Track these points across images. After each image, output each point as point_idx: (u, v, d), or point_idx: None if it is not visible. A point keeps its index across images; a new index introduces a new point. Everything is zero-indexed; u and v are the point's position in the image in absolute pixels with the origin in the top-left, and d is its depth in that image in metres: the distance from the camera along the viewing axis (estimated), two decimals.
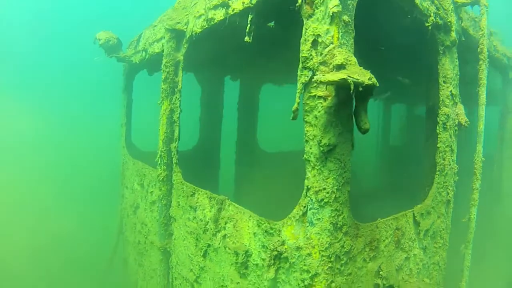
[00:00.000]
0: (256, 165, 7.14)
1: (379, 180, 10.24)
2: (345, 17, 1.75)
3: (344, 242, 1.87)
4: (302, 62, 1.86)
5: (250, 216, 2.48)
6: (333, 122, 1.74)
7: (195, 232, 3.31)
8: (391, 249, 2.26)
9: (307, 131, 1.88)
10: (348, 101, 1.72)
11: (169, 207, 3.97)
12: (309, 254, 1.91)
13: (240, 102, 7.16)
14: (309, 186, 1.89)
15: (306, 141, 1.90)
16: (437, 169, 2.69)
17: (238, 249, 2.60)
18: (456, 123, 2.77)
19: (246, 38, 2.52)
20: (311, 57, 1.81)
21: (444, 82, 2.68)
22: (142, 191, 4.81)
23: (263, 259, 2.32)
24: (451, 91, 2.71)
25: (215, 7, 3.05)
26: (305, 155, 1.92)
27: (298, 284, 1.99)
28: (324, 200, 1.81)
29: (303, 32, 1.87)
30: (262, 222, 2.32)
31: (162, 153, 3.98)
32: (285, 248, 2.09)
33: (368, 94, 1.63)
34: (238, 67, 6.11)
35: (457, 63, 2.85)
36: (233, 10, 2.75)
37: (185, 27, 3.71)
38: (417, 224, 2.54)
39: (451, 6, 2.74)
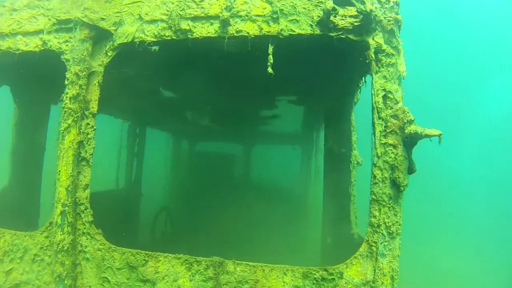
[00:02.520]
0: None
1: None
2: None
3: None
4: (377, 112, 2.21)
5: (287, 269, 2.24)
6: (401, 166, 2.20)
7: None
8: None
9: (377, 174, 2.20)
10: (409, 149, 2.25)
11: None
12: (381, 283, 2.13)
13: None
14: (379, 223, 2.17)
15: (375, 183, 2.20)
16: (351, 200, 3.70)
17: None
18: (358, 161, 3.96)
19: (270, 70, 2.39)
20: (383, 109, 2.21)
21: (353, 130, 3.80)
22: None
23: None
24: (355, 137, 3.87)
25: (201, 19, 2.52)
26: (373, 196, 2.19)
27: None
28: (396, 232, 2.17)
29: (373, 85, 2.24)
30: (313, 271, 2.20)
31: (67, 208, 2.43)
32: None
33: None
34: None
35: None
36: (238, 32, 2.46)
37: (113, 28, 2.69)
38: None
39: None
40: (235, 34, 2.45)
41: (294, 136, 8.91)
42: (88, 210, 2.55)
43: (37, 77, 4.06)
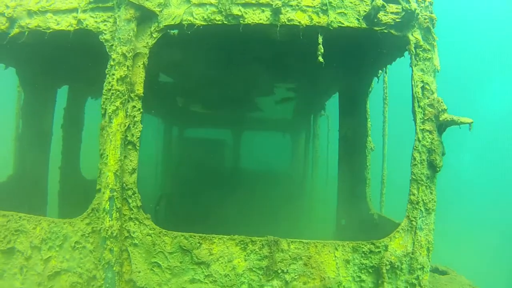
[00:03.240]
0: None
1: None
2: None
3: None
4: (417, 102, 2.45)
5: (338, 245, 2.44)
6: (437, 149, 2.47)
7: None
8: None
9: (416, 156, 2.46)
10: (440, 134, 2.53)
11: (122, 277, 2.41)
12: (419, 254, 2.42)
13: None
14: (417, 200, 2.44)
15: (415, 164, 2.46)
16: (367, 183, 4.01)
17: (320, 286, 2.40)
18: (371, 147, 4.24)
19: (320, 59, 2.53)
20: (421, 99, 2.46)
21: (368, 118, 4.05)
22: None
23: (362, 281, 2.41)
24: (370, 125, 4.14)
25: (252, 6, 2.55)
26: (413, 176, 2.45)
27: (408, 284, 2.40)
28: (431, 208, 2.45)
29: (413, 76, 2.48)
30: (362, 245, 2.42)
31: (114, 192, 2.39)
32: (394, 259, 2.40)
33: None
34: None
35: None
36: (289, 21, 2.55)
37: (158, 9, 2.66)
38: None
39: None
40: (287, 23, 2.55)
41: (290, 123, 9.13)
42: (136, 195, 2.53)
43: (46, 59, 3.82)
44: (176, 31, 3.05)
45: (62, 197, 4.81)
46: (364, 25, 2.53)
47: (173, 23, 2.62)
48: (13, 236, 2.72)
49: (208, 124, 9.38)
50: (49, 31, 2.79)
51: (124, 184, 2.52)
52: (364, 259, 2.43)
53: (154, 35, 2.65)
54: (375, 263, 2.41)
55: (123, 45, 2.53)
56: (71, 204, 4.68)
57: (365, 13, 2.53)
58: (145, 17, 2.64)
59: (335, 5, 2.56)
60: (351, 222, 3.92)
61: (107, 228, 2.43)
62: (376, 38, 2.59)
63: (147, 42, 2.64)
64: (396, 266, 2.40)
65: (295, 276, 2.43)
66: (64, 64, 4.00)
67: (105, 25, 2.71)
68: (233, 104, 7.50)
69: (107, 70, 2.64)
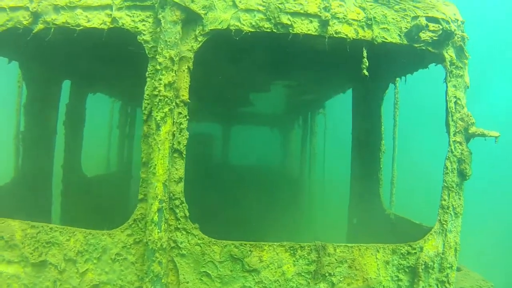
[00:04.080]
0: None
1: None
2: None
3: None
4: (450, 115, 2.66)
5: (379, 247, 2.61)
6: (467, 159, 2.72)
7: None
8: None
9: (448, 165, 2.69)
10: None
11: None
12: (448, 254, 2.68)
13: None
14: (448, 206, 2.68)
15: (447, 173, 2.69)
16: (380, 184, 4.23)
17: (363, 287, 2.57)
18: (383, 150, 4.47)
19: (365, 72, 2.64)
20: (454, 113, 2.68)
21: (382, 122, 4.24)
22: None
23: (400, 280, 2.62)
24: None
25: (300, 16, 2.56)
26: (444, 183, 2.69)
27: (438, 282, 2.66)
28: (459, 212, 2.71)
29: (447, 92, 2.68)
30: (400, 247, 2.62)
31: (163, 203, 2.32)
32: (427, 260, 2.64)
33: None
34: None
35: None
36: (336, 33, 2.60)
37: (203, 12, 2.57)
38: None
39: None
40: (334, 35, 2.61)
41: (287, 120, 9.23)
42: (183, 204, 2.48)
43: (50, 51, 3.48)
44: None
45: (65, 197, 4.49)
46: (405, 42, 2.67)
47: (220, 27, 2.55)
48: (45, 248, 2.53)
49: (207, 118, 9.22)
50: (79, 28, 2.57)
51: (171, 193, 2.45)
52: (402, 260, 2.63)
53: (199, 39, 2.56)
54: (412, 263, 2.62)
55: (170, 49, 2.42)
56: (74, 203, 4.40)
57: (406, 30, 2.67)
58: (189, 19, 2.53)
59: (379, 21, 2.66)
60: (364, 221, 4.16)
61: (155, 240, 2.35)
62: (413, 53, 2.75)
63: (192, 46, 2.55)
64: (429, 265, 2.64)
65: (341, 278, 2.57)
66: (69, 57, 3.68)
67: (143, 25, 2.56)
68: (226, 100, 7.41)
69: (149, 73, 2.52)
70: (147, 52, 2.54)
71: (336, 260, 2.56)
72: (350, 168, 4.32)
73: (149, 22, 2.55)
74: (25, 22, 2.60)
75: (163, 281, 2.38)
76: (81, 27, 2.55)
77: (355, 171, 4.29)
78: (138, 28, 2.54)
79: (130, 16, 2.56)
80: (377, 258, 2.62)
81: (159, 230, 2.36)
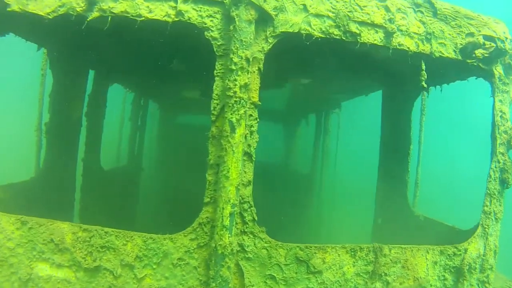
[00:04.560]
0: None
1: None
2: None
3: None
4: (497, 128, 2.85)
5: (429, 248, 2.77)
6: (509, 169, 2.93)
7: None
8: None
9: (492, 174, 2.89)
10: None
11: None
12: (489, 256, 2.90)
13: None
14: (489, 211, 2.89)
15: (490, 181, 2.89)
16: (406, 185, 4.39)
17: (414, 285, 2.72)
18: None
19: (423, 84, 2.75)
20: (499, 125, 2.87)
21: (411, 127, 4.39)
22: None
23: (446, 279, 2.80)
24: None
25: (366, 25, 2.58)
26: (488, 191, 2.89)
27: (479, 282, 2.87)
28: (499, 218, 2.93)
29: (494, 106, 2.86)
30: (447, 249, 2.79)
31: (236, 208, 2.30)
32: (470, 261, 2.84)
33: None
34: None
35: None
36: (399, 45, 2.64)
37: (274, 13, 2.53)
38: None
39: None
40: (397, 47, 2.68)
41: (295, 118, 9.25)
42: (252, 208, 2.45)
43: (81, 39, 3.24)
44: None
45: (85, 192, 4.23)
46: (459, 57, 2.81)
47: (291, 30, 2.52)
48: (99, 253, 2.39)
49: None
50: (140, 19, 2.42)
51: (241, 197, 2.42)
52: (448, 261, 2.81)
53: (270, 40, 2.51)
54: (457, 264, 2.81)
55: (245, 49, 2.36)
56: (93, 197, 4.15)
57: (461, 46, 2.80)
58: (261, 19, 2.48)
59: (437, 35, 2.77)
60: (391, 222, 4.34)
61: (226, 245, 2.32)
62: (463, 67, 2.90)
63: (263, 47, 2.50)
64: (472, 266, 2.84)
65: (394, 277, 2.69)
66: (102, 47, 3.45)
67: (211, 21, 2.47)
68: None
69: (217, 72, 2.44)
70: (215, 50, 2.45)
71: (391, 260, 2.68)
72: (378, 169, 4.48)
73: (217, 19, 2.47)
74: (78, 9, 2.40)
75: (230, 285, 2.36)
76: (143, 18, 2.41)
77: (382, 172, 4.46)
78: (205, 24, 2.45)
79: (197, 10, 2.45)
80: (427, 258, 2.77)
81: (230, 235, 2.33)
